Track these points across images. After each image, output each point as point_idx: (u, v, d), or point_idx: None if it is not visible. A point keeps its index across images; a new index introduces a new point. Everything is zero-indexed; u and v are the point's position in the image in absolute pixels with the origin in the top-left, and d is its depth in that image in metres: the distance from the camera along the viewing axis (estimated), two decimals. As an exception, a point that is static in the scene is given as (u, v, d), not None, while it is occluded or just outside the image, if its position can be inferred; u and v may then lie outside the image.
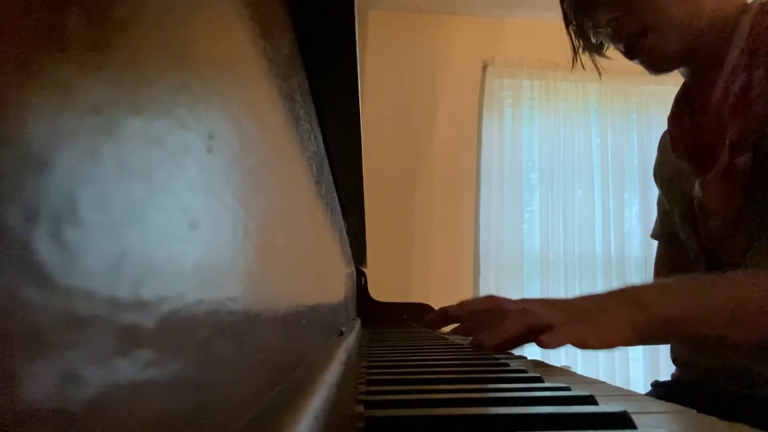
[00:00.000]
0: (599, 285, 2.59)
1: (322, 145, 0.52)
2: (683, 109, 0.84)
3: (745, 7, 0.75)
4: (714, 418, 0.28)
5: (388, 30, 2.71)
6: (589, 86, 2.70)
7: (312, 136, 0.43)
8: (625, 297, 0.60)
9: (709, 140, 0.76)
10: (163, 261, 0.12)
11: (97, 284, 0.09)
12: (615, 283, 2.55)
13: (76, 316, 0.09)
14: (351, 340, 0.61)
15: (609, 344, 0.57)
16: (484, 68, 2.74)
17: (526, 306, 0.60)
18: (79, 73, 0.09)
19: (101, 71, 0.10)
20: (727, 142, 0.72)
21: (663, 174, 0.92)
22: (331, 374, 0.30)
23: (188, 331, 0.13)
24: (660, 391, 0.88)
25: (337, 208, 0.73)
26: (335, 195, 0.70)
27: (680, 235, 0.86)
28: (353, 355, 0.55)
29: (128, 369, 0.10)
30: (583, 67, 0.87)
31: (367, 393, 0.33)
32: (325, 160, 0.57)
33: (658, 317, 0.58)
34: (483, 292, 2.55)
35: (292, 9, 0.34)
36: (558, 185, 2.67)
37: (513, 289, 2.57)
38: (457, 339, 0.84)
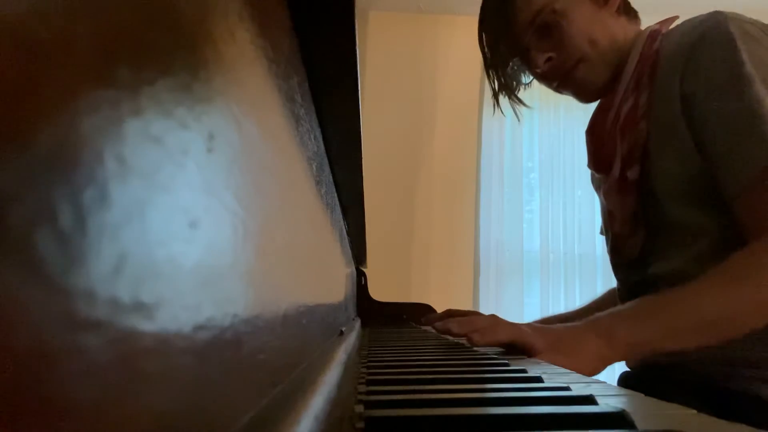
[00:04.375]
0: (599, 285, 2.59)
1: (322, 145, 0.52)
2: (594, 126, 0.96)
3: (640, 34, 0.86)
4: (715, 418, 0.28)
5: (388, 30, 2.70)
6: (589, 86, 2.69)
7: (312, 136, 0.43)
8: (596, 330, 0.68)
9: (607, 154, 0.88)
10: (163, 261, 0.12)
11: (97, 284, 0.09)
12: (615, 284, 2.55)
13: (76, 317, 0.09)
14: (351, 340, 0.60)
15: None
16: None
17: (518, 325, 0.69)
18: (79, 72, 0.09)
19: (101, 71, 0.10)
20: (619, 157, 0.83)
21: (594, 184, 1.03)
22: (331, 374, 0.30)
23: (188, 331, 0.13)
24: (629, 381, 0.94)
25: (337, 208, 0.73)
26: (335, 195, 0.70)
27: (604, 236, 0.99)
28: (353, 355, 0.55)
29: (128, 369, 0.10)
30: (502, 112, 0.99)
31: (367, 393, 0.33)
32: (325, 160, 0.57)
33: (624, 348, 0.68)
34: (483, 292, 2.56)
35: (292, 9, 0.34)
36: (558, 185, 2.67)
37: (513, 289, 2.57)
38: (457, 339, 0.84)
